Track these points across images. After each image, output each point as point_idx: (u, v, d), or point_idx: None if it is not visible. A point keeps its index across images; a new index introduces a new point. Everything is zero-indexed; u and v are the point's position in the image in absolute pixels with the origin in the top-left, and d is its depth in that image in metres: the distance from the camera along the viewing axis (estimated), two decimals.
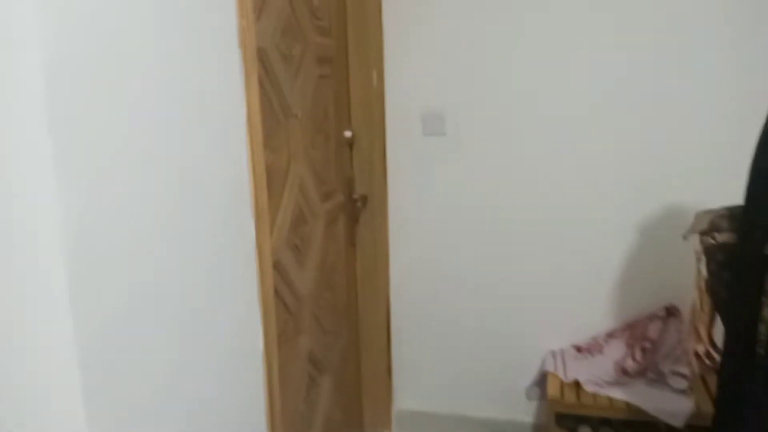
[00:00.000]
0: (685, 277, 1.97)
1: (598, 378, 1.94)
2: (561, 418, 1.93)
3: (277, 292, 1.55)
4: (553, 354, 2.10)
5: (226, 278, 1.06)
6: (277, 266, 1.54)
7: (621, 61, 1.94)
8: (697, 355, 1.37)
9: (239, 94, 1.05)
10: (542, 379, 2.15)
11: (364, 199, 2.16)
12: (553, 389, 1.94)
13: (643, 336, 1.96)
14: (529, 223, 2.13)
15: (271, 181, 1.49)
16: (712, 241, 1.21)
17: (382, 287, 2.26)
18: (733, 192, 1.26)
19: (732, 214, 1.21)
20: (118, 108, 0.75)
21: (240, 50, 1.04)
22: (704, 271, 1.26)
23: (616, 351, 2.00)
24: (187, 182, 0.93)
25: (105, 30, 0.72)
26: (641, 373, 1.93)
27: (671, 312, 1.97)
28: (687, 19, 1.87)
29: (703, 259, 1.25)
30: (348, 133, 2.08)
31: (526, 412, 2.26)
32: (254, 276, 1.12)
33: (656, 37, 1.90)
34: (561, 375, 1.98)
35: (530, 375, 2.24)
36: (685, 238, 1.31)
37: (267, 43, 1.43)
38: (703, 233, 1.24)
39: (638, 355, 1.94)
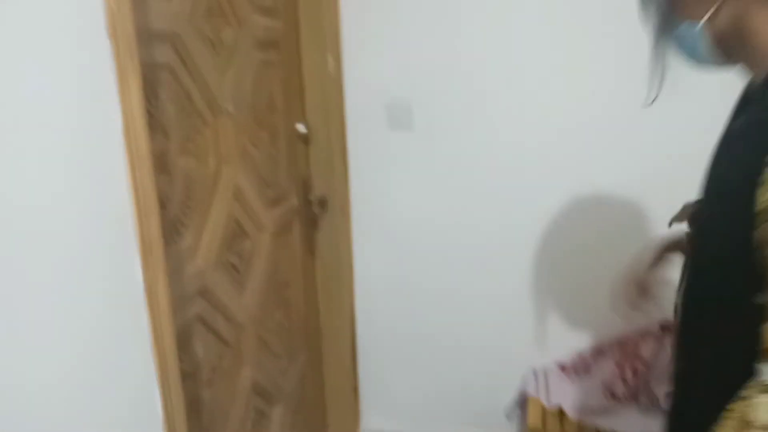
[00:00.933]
0: None
1: (585, 403, 1.72)
2: None
3: (206, 323, 1.32)
4: (535, 373, 1.88)
5: (104, 340, 0.82)
6: (205, 293, 1.31)
7: (611, 49, 1.69)
8: None
9: (112, 99, 0.79)
10: (523, 400, 1.94)
11: (323, 201, 1.91)
12: (533, 417, 1.72)
13: (635, 355, 1.74)
14: (509, 228, 1.89)
15: (192, 192, 1.25)
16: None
17: (347, 299, 2.03)
18: None
19: None
20: None
21: (111, 41, 0.78)
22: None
23: (604, 371, 1.78)
24: (35, 221, 0.69)
25: None
26: (633, 398, 1.72)
27: (667, 328, 1.75)
28: None
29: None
30: (301, 127, 1.82)
31: None
32: (145, 331, 0.88)
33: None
34: (543, 399, 1.77)
35: (510, 392, 2.02)
36: (670, 225, 1.20)
37: (182, 28, 1.18)
38: (686, 221, 1.13)
39: (629, 376, 1.73)
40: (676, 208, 1.23)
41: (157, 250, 0.90)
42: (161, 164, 1.14)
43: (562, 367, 1.85)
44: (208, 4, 1.29)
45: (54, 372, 0.74)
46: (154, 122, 1.11)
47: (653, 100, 0.85)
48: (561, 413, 1.72)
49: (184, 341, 1.22)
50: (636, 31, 1.54)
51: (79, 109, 0.76)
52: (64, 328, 0.76)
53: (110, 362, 0.84)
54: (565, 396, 1.75)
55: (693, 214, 1.11)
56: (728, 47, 0.77)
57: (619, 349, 1.77)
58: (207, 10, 1.28)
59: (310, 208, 1.90)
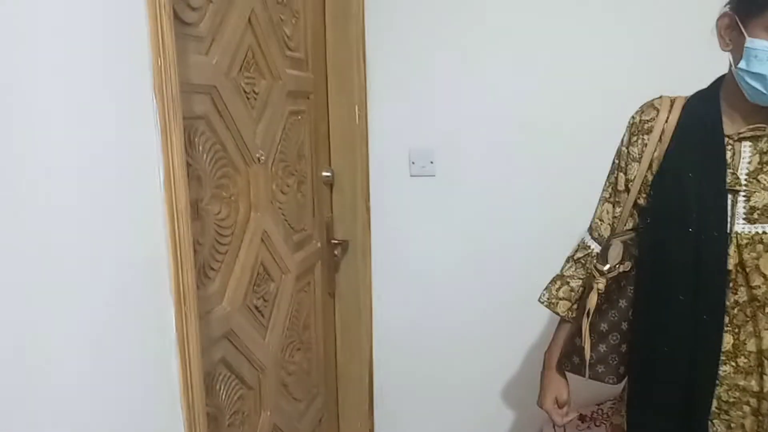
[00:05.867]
0: None
1: None
2: None
3: (230, 367, 1.35)
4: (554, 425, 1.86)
5: (134, 386, 0.85)
6: (230, 336, 1.33)
7: (634, 90, 1.73)
8: None
9: (155, 153, 0.84)
10: None
11: (345, 244, 1.95)
12: None
13: None
14: (531, 274, 1.90)
15: (222, 237, 1.29)
16: None
17: (365, 343, 2.04)
18: None
19: None
20: None
21: (156, 101, 0.84)
22: None
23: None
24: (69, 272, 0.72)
25: None
26: None
27: None
28: None
29: None
30: (327, 174, 1.88)
31: None
32: (175, 377, 0.91)
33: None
34: None
35: None
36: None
37: (219, 81, 1.24)
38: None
39: None
40: None
41: (191, 299, 0.93)
42: (195, 211, 1.18)
43: (582, 418, 1.83)
44: (246, 59, 1.36)
45: (84, 409, 0.76)
46: (191, 171, 1.16)
47: None
48: None
49: (209, 385, 1.24)
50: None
51: (122, 164, 0.79)
52: (97, 372, 0.78)
53: (139, 407, 0.86)
54: None
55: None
56: None
57: None
58: (244, 64, 1.35)
59: (332, 251, 1.93)
